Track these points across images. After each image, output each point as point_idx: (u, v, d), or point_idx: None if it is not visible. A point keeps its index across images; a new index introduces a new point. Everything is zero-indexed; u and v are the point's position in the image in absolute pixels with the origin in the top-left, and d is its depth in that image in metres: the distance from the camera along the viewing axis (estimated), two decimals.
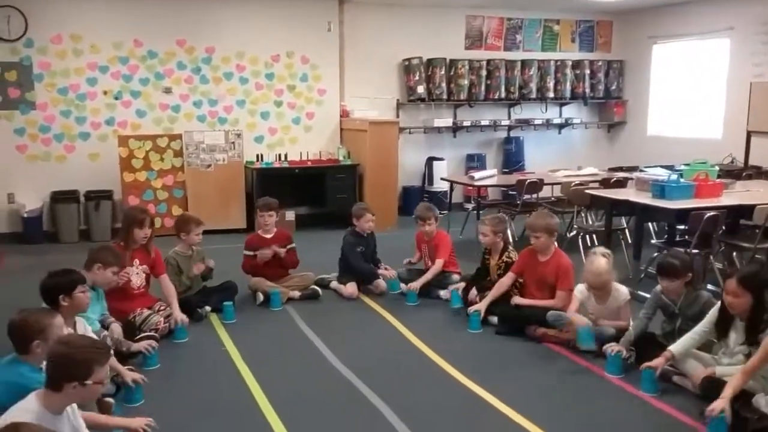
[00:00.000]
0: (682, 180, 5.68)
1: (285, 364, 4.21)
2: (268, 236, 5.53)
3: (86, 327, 3.57)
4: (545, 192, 7.51)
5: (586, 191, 6.42)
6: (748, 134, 8.34)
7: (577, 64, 9.94)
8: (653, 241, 6.13)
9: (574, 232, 6.84)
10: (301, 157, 8.39)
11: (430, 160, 9.36)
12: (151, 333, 4.31)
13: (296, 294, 5.43)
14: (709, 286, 5.18)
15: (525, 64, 9.64)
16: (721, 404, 3.12)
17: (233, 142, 7.98)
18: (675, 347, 3.66)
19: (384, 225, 7.19)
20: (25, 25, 7.48)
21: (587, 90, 10.04)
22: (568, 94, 9.93)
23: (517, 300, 4.75)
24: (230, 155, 7.97)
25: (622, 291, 4.32)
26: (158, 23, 7.99)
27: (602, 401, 3.67)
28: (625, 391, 3.74)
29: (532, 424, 3.34)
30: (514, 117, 9.86)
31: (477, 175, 7.77)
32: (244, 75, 8.45)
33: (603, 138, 10.52)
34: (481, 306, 4.75)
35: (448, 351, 4.30)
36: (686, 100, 9.39)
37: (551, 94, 9.84)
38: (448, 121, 9.39)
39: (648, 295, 4.20)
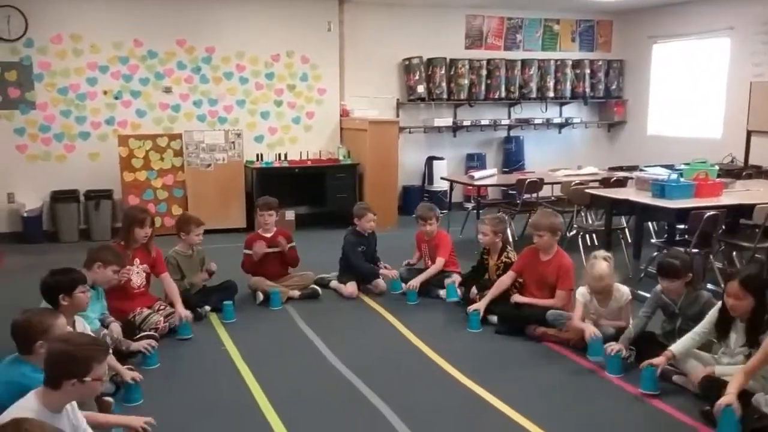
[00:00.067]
0: (682, 179, 5.68)
1: (285, 363, 4.21)
2: (268, 235, 5.53)
3: (85, 326, 3.57)
4: (545, 191, 7.52)
5: (586, 191, 6.42)
6: (748, 134, 8.34)
7: (577, 64, 9.94)
8: (653, 241, 6.13)
9: (574, 232, 6.84)
10: (301, 157, 8.39)
11: (430, 160, 9.36)
12: (151, 332, 4.32)
13: (296, 293, 5.43)
14: (709, 286, 5.19)
15: (525, 63, 9.64)
16: (728, 399, 3.12)
17: (233, 142, 7.98)
18: (675, 347, 3.66)
19: (384, 224, 7.19)
20: (25, 25, 7.48)
21: (587, 89, 10.04)
22: (568, 93, 9.93)
23: (516, 298, 4.74)
24: (230, 155, 7.97)
25: (624, 291, 4.31)
26: (158, 23, 7.99)
27: (602, 401, 3.67)
28: (624, 391, 3.74)
29: (532, 423, 3.34)
30: (514, 116, 9.86)
31: (477, 174, 7.76)
32: (244, 75, 8.45)
33: (603, 137, 10.52)
34: (481, 305, 4.75)
35: (447, 350, 4.30)
36: (686, 99, 9.39)
37: (551, 94, 9.83)
38: (448, 121, 9.39)
39: (648, 295, 4.20)
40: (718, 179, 5.93)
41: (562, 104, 10.12)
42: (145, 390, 3.63)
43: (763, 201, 5.38)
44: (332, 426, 3.40)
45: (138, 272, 4.64)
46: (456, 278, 5.38)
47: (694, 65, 9.24)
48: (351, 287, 5.52)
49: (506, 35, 9.72)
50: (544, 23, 9.88)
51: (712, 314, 3.67)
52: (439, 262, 5.47)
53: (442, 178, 8.63)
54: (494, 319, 4.75)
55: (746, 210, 5.44)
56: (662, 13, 9.42)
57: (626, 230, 6.68)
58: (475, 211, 7.49)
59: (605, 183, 6.85)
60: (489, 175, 7.97)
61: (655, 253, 5.70)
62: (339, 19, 8.72)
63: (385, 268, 5.67)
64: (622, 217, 6.74)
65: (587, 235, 6.81)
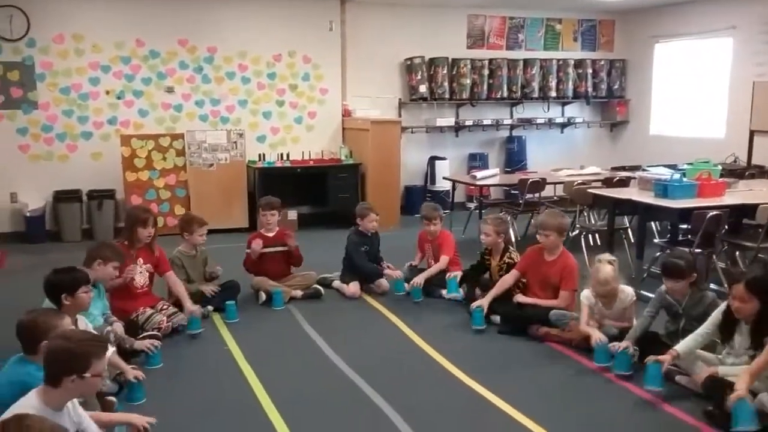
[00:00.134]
0: (684, 179, 5.67)
1: (287, 363, 4.21)
2: (270, 235, 5.54)
3: (87, 324, 3.57)
4: (547, 191, 7.52)
5: (589, 190, 6.42)
6: (751, 133, 8.33)
7: (579, 64, 9.93)
8: (656, 241, 6.13)
9: (577, 232, 6.83)
10: (303, 157, 8.39)
11: (433, 160, 9.36)
12: (154, 332, 4.32)
13: (298, 293, 5.43)
14: (712, 286, 5.17)
15: (527, 63, 9.63)
16: (741, 393, 3.11)
17: (235, 142, 7.98)
18: (680, 346, 3.65)
19: (386, 224, 7.18)
20: (27, 25, 7.49)
21: (590, 89, 10.03)
22: (570, 93, 9.92)
23: (519, 298, 4.73)
24: (232, 155, 7.98)
25: (628, 292, 4.29)
26: (160, 23, 8.00)
27: (605, 401, 3.67)
28: (627, 391, 3.74)
29: (535, 423, 3.34)
30: (517, 116, 9.85)
31: (479, 174, 7.76)
32: (246, 74, 8.45)
33: (605, 137, 10.51)
34: (484, 302, 4.73)
35: (450, 350, 4.30)
36: (689, 99, 9.38)
37: (553, 94, 9.83)
38: (450, 121, 9.39)
39: (651, 295, 4.19)
40: (720, 179, 5.92)
41: (564, 104, 10.11)
42: (147, 389, 3.63)
43: (766, 201, 5.37)
44: (335, 426, 3.40)
45: (141, 272, 4.65)
46: (458, 273, 5.37)
47: (697, 65, 9.23)
48: (354, 287, 5.52)
49: (508, 35, 9.71)
50: (546, 23, 9.87)
51: (715, 315, 3.65)
52: (444, 259, 5.47)
53: (444, 178, 8.62)
54: (497, 319, 4.74)
55: (749, 210, 5.43)
56: (664, 13, 9.41)
57: (629, 230, 6.67)
58: (477, 211, 7.49)
59: (608, 183, 6.85)
60: (491, 175, 7.97)
61: (658, 253, 5.70)
62: (341, 19, 8.72)
63: (389, 267, 5.67)
64: (625, 217, 6.73)
65: (590, 235, 6.80)
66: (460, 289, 5.28)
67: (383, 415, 3.47)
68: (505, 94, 9.57)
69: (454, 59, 9.27)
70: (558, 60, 9.81)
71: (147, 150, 7.74)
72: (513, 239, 6.61)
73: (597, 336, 4.07)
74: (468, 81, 9.29)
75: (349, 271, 5.64)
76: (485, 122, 9.52)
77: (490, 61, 9.43)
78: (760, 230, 5.33)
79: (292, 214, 8.11)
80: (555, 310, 4.47)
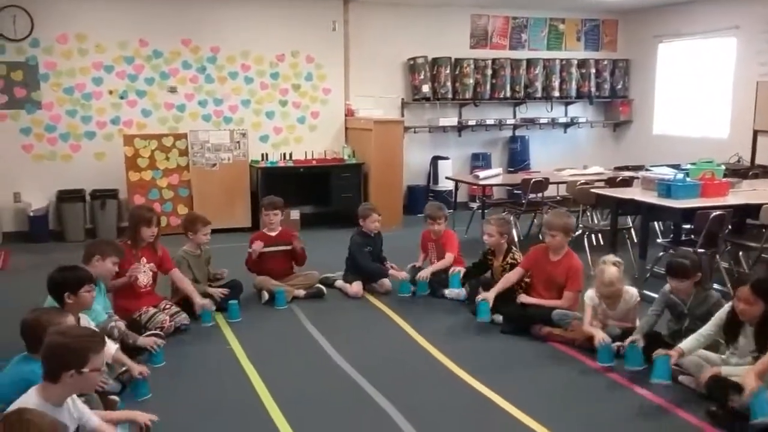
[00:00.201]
0: (688, 179, 5.67)
1: (290, 362, 4.21)
2: (273, 234, 5.54)
3: (89, 323, 3.59)
4: (550, 191, 7.51)
5: (592, 190, 6.41)
6: (755, 133, 8.31)
7: (582, 63, 9.91)
8: (659, 241, 6.11)
9: (580, 232, 6.82)
10: (306, 157, 8.39)
11: (435, 159, 9.35)
12: (157, 331, 4.32)
13: (301, 293, 5.44)
14: (716, 286, 5.16)
15: (530, 63, 9.62)
16: (754, 386, 3.11)
17: (238, 142, 7.99)
18: (685, 344, 3.65)
19: (389, 224, 7.19)
20: (30, 25, 7.50)
21: (593, 89, 10.01)
22: (573, 93, 9.90)
23: (523, 298, 4.72)
24: (235, 154, 7.98)
25: (633, 293, 4.29)
26: (163, 23, 8.01)
27: (608, 401, 3.66)
28: (631, 391, 3.73)
29: (538, 424, 3.34)
30: (520, 116, 9.84)
31: (482, 174, 7.76)
32: (249, 74, 8.46)
33: (609, 137, 10.49)
34: (489, 295, 4.73)
35: (453, 350, 4.30)
36: (692, 99, 9.36)
37: (557, 93, 9.81)
38: (453, 120, 9.38)
39: (654, 295, 4.19)
40: (724, 179, 5.91)
41: (567, 104, 10.10)
42: (151, 387, 3.64)
43: None
44: (337, 425, 3.40)
45: (145, 271, 4.66)
46: (461, 269, 5.38)
47: (700, 65, 9.21)
48: (356, 286, 5.52)
49: (511, 35, 9.70)
50: (549, 23, 9.87)
51: (719, 316, 3.65)
52: (449, 256, 5.47)
53: (447, 178, 8.63)
54: (500, 318, 4.74)
55: (753, 210, 5.42)
56: (668, 13, 9.40)
57: (632, 230, 6.66)
58: (480, 211, 7.48)
59: (611, 183, 6.84)
60: (494, 175, 7.96)
61: (661, 253, 5.68)
62: (344, 19, 8.73)
63: (392, 268, 5.67)
64: (628, 216, 6.73)
65: (593, 235, 6.80)
66: (463, 289, 5.27)
67: (386, 414, 3.47)
68: (508, 94, 9.56)
69: (457, 59, 9.26)
70: (561, 60, 9.80)
71: (150, 150, 7.75)
72: (516, 239, 6.60)
73: (600, 336, 4.06)
74: (471, 81, 9.28)
75: (353, 271, 5.64)
76: (488, 122, 9.52)
77: (493, 60, 9.42)
78: (764, 230, 5.33)
79: (295, 214, 8.10)
80: (557, 310, 4.47)
